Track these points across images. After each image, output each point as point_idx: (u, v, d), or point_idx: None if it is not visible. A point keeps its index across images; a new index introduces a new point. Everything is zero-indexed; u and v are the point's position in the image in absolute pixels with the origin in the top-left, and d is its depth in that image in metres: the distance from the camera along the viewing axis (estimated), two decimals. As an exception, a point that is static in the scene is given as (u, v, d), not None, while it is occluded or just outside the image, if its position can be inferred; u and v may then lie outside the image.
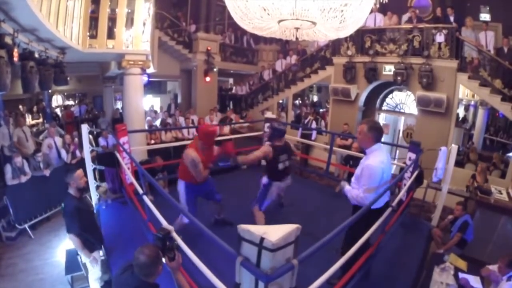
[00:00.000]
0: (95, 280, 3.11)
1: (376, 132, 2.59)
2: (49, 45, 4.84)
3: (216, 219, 3.78)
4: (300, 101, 14.10)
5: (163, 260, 1.76)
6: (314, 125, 8.85)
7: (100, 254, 3.25)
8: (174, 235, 1.97)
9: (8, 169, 4.94)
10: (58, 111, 12.21)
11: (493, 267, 3.13)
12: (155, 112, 10.45)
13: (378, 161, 2.53)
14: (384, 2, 5.12)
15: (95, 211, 4.33)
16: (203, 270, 1.92)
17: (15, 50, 3.40)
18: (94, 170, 4.53)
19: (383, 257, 3.14)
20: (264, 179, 3.66)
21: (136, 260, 1.73)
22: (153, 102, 12.42)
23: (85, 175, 4.29)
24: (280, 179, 3.58)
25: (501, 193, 5.06)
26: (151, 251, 1.73)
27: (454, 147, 4.06)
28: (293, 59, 10.40)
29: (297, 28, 3.57)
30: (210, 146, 3.26)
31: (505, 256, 2.89)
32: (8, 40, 3.24)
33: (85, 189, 3.14)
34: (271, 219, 3.66)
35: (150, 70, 7.69)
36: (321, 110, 12.38)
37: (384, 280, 2.97)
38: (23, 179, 5.02)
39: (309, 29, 3.69)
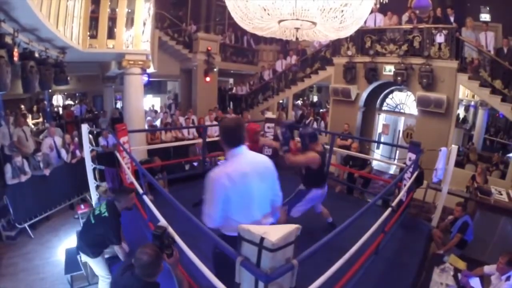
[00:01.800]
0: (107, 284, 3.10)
1: (225, 133, 1.88)
2: (49, 45, 4.84)
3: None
4: (302, 102, 14.10)
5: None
6: (314, 125, 8.86)
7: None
8: (171, 230, 1.97)
9: (8, 168, 4.94)
10: (58, 110, 12.21)
11: (490, 267, 3.14)
12: (155, 112, 10.45)
13: (225, 171, 1.80)
14: (384, 2, 5.10)
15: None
16: (203, 270, 1.92)
17: (15, 49, 3.40)
18: (94, 169, 4.53)
19: (383, 258, 3.15)
20: (301, 186, 3.52)
21: (138, 261, 1.71)
22: (153, 102, 12.44)
23: (85, 174, 4.34)
24: (320, 185, 3.41)
25: (501, 194, 5.05)
26: (152, 250, 1.72)
27: (454, 148, 4.06)
28: (293, 59, 10.40)
29: (297, 28, 3.57)
30: (251, 141, 3.45)
31: (506, 255, 2.89)
32: (8, 40, 3.25)
33: (131, 209, 3.05)
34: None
35: (150, 70, 7.70)
36: (321, 110, 12.39)
37: (384, 280, 2.97)
38: (23, 178, 5.02)
39: (309, 29, 3.70)
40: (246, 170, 1.85)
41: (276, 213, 2.10)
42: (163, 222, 1.83)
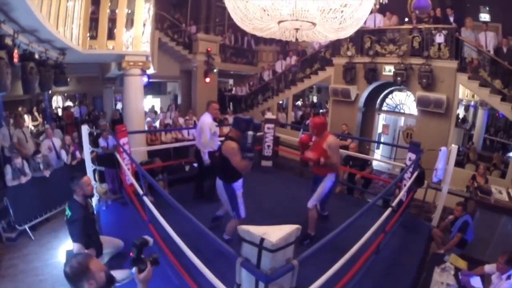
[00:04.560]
0: None
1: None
2: (49, 46, 4.84)
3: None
4: (302, 102, 14.11)
5: (134, 270, 1.61)
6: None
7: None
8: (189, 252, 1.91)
9: (8, 170, 4.94)
10: (57, 111, 12.21)
11: (490, 267, 3.13)
12: (155, 112, 10.45)
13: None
14: (384, 2, 5.11)
15: (95, 212, 4.33)
16: (203, 270, 1.92)
17: (15, 51, 3.40)
18: (94, 171, 4.53)
19: (384, 257, 3.15)
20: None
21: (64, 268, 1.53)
22: (153, 103, 12.43)
23: (85, 175, 4.32)
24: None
25: (501, 193, 5.05)
26: (77, 263, 1.48)
27: (454, 148, 4.06)
28: (293, 60, 10.40)
29: (296, 29, 3.57)
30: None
31: (505, 254, 2.89)
32: (8, 41, 3.24)
33: (92, 195, 2.90)
34: (271, 220, 3.66)
35: (150, 71, 7.69)
36: (321, 111, 12.39)
37: (385, 280, 2.96)
38: (23, 180, 5.02)
39: (309, 30, 3.70)
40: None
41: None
42: (148, 237, 1.69)
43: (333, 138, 3.30)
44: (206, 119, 4.16)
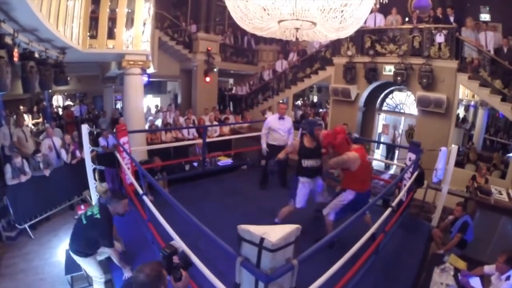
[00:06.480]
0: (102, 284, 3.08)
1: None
2: (49, 45, 4.84)
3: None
4: (302, 102, 14.10)
5: (168, 278, 1.63)
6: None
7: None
8: (187, 250, 1.92)
9: (8, 169, 4.93)
10: (58, 111, 12.20)
11: (490, 267, 3.14)
12: (157, 112, 10.45)
13: (269, 118, 4.90)
14: (384, 2, 5.10)
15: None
16: (203, 270, 1.92)
17: (15, 50, 3.40)
18: (94, 170, 4.53)
19: (383, 258, 3.15)
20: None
21: (135, 279, 1.59)
22: (153, 102, 12.43)
23: (85, 174, 4.33)
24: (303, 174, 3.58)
25: (501, 194, 5.05)
26: (152, 270, 1.57)
27: (454, 148, 4.06)
28: (294, 57, 10.39)
29: (297, 29, 3.57)
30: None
31: (504, 253, 2.89)
32: (8, 40, 3.24)
33: (123, 215, 2.92)
34: (271, 220, 3.67)
35: (150, 70, 7.69)
36: (321, 110, 12.39)
37: (384, 280, 2.97)
38: (23, 179, 5.01)
39: (309, 30, 3.69)
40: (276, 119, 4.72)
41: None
42: (176, 242, 1.66)
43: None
44: (269, 117, 4.98)
